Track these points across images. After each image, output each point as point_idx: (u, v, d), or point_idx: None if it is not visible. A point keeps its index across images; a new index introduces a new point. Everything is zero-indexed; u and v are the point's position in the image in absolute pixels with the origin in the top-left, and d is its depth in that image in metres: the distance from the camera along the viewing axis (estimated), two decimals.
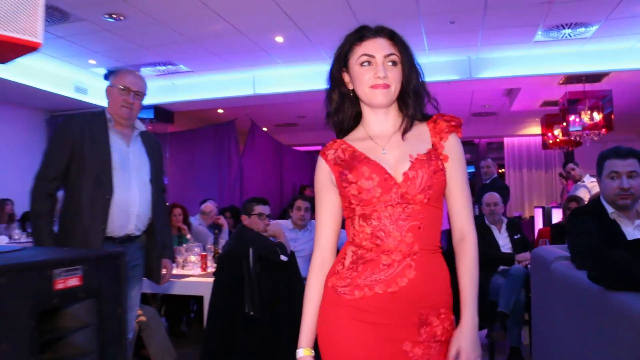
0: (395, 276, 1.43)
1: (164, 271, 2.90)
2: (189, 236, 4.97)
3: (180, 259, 4.21)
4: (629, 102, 8.49)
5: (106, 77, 7.76)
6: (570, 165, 6.71)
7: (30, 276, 1.24)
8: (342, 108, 1.60)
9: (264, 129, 10.63)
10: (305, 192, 10.02)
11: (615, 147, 2.47)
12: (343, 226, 1.56)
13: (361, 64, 1.51)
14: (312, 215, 4.42)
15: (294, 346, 1.56)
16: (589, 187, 6.11)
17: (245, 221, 3.57)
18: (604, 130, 7.52)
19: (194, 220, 5.60)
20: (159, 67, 7.59)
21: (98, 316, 1.46)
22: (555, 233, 5.04)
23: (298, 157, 11.74)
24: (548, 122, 8.85)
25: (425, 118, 1.57)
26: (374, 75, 1.49)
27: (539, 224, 7.45)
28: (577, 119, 7.20)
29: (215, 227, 5.52)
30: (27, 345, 1.22)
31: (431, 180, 1.46)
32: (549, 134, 8.80)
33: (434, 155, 1.50)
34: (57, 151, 2.57)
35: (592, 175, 6.56)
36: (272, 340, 3.24)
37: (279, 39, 6.41)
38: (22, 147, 8.26)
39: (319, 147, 3.15)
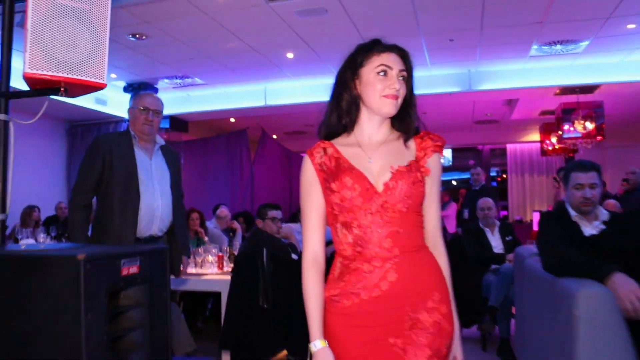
0: (378, 281, 1.52)
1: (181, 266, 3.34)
2: (206, 239, 5.38)
3: (198, 259, 4.61)
4: (620, 112, 8.87)
5: (125, 89, 8.22)
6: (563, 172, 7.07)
7: (106, 264, 1.65)
8: (350, 110, 1.64)
9: (274, 136, 11.02)
10: None
11: (579, 161, 2.88)
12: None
13: (377, 73, 1.58)
14: None
15: (304, 335, 1.62)
16: None
17: (260, 224, 3.99)
18: (599, 137, 7.89)
19: (210, 224, 6.03)
20: (175, 80, 8.04)
21: (149, 298, 1.87)
22: None
23: None
24: (546, 130, 9.21)
25: (415, 132, 1.65)
26: (389, 86, 1.57)
27: (535, 227, 7.81)
28: (571, 128, 7.58)
29: (229, 231, 5.95)
30: (103, 316, 1.63)
31: (410, 190, 1.54)
32: (547, 142, 9.15)
33: (415, 167, 1.58)
34: (89, 167, 2.96)
35: None
36: (284, 330, 3.64)
37: (290, 55, 6.85)
38: (44, 156, 8.72)
39: None
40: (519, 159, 12.48)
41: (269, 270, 3.61)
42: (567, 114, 7.68)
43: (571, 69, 7.31)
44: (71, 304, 1.54)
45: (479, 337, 4.83)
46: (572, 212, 2.83)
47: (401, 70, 1.59)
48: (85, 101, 8.14)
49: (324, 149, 1.64)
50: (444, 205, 9.37)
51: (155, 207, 3.03)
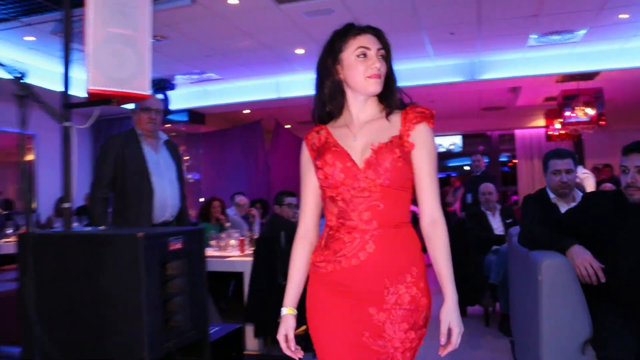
0: (357, 251, 1.59)
1: None
2: (227, 224, 5.83)
3: (222, 243, 5.06)
4: (622, 97, 9.14)
5: None
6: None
7: (158, 241, 2.08)
8: (335, 96, 1.69)
9: (288, 126, 11.41)
10: None
11: (557, 149, 3.28)
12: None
13: (357, 56, 1.63)
14: None
15: None
16: (581, 177, 6.75)
17: (277, 210, 4.42)
18: (602, 122, 8.21)
19: (230, 211, 6.48)
20: (192, 76, 8.46)
21: (189, 269, 2.29)
22: None
23: None
24: (550, 116, 9.51)
25: (401, 107, 1.68)
26: (370, 66, 1.62)
27: None
28: (573, 114, 7.90)
29: (247, 217, 6.39)
30: (157, 282, 2.05)
31: (391, 166, 1.58)
32: (551, 127, 9.46)
33: (397, 143, 1.61)
34: (104, 165, 3.32)
35: (584, 167, 7.22)
36: (301, 304, 4.06)
37: (300, 51, 7.24)
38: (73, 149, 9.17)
39: None
40: (527, 144, 12.56)
41: (286, 251, 4.03)
42: (568, 100, 7.99)
43: (570, 57, 7.59)
44: (133, 272, 1.97)
45: (482, 314, 5.23)
46: (552, 195, 3.22)
47: (379, 49, 1.64)
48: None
49: (317, 132, 1.74)
50: (455, 190, 9.71)
51: (166, 196, 3.38)
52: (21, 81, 1.60)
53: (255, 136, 10.26)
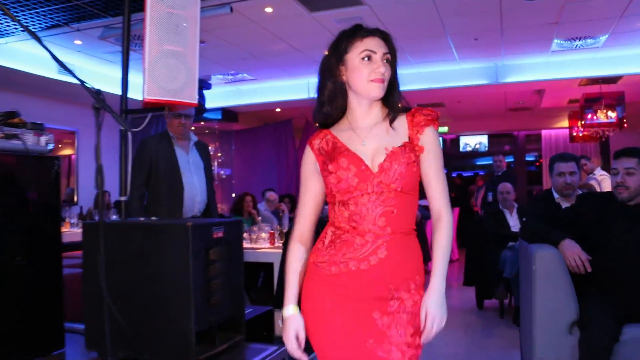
0: (368, 255, 1.57)
1: None
2: (259, 219, 6.22)
3: (253, 236, 5.44)
4: None
5: None
6: (583, 160, 7.56)
7: (203, 230, 2.44)
8: (334, 98, 1.67)
9: (317, 124, 11.71)
10: None
11: (562, 153, 3.58)
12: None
13: (362, 59, 1.61)
14: None
15: None
16: (598, 179, 6.94)
17: None
18: (625, 125, 8.37)
19: (260, 206, 6.87)
20: (227, 76, 8.87)
21: (229, 255, 2.63)
22: None
23: None
24: (573, 118, 9.66)
25: (404, 110, 1.67)
26: (375, 70, 1.60)
27: None
28: (595, 117, 8.08)
29: (277, 212, 6.78)
30: (202, 265, 2.40)
31: (405, 171, 1.57)
32: (575, 128, 9.61)
33: (409, 147, 1.60)
34: (139, 166, 3.64)
35: (603, 169, 7.42)
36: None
37: None
38: (111, 146, 9.69)
39: None
40: (553, 144, 12.55)
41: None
42: (590, 102, 8.17)
43: (593, 61, 7.74)
44: (183, 256, 2.31)
45: (498, 306, 5.54)
46: (556, 195, 3.52)
47: (385, 54, 1.62)
48: (138, 94, 8.94)
49: (323, 137, 1.71)
50: (478, 189, 9.95)
51: (195, 194, 3.71)
52: (99, 95, 1.97)
53: (285, 134, 10.64)
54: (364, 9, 5.79)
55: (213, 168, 7.22)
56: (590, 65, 7.79)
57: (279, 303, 4.02)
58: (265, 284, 6.01)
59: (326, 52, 1.69)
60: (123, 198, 2.84)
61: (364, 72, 1.60)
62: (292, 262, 1.74)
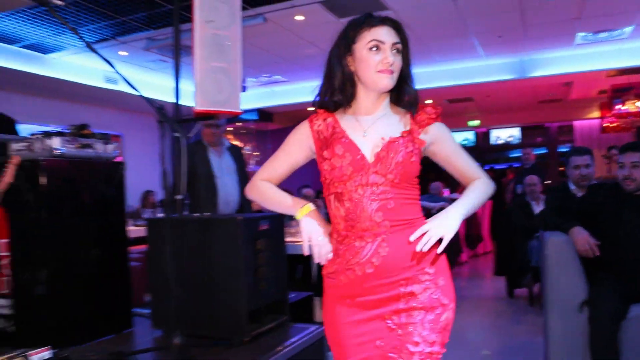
0: (370, 257, 1.53)
1: None
2: None
3: (292, 230, 5.77)
4: None
5: None
6: (613, 150, 7.66)
7: (252, 223, 2.77)
8: (345, 87, 1.61)
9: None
10: None
11: (577, 147, 3.86)
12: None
13: (370, 49, 1.54)
14: None
15: None
16: None
17: None
18: None
19: None
20: (261, 79, 9.27)
21: (271, 246, 2.94)
22: None
23: None
24: (603, 108, 9.72)
25: (411, 106, 1.63)
26: (383, 61, 1.53)
27: None
28: (623, 107, 8.18)
29: None
30: (251, 254, 2.71)
31: (402, 160, 1.52)
32: (605, 119, 9.67)
33: (408, 138, 1.56)
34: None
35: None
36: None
37: None
38: (149, 147, 10.12)
39: None
40: (586, 135, 12.51)
41: None
42: (619, 93, 8.26)
43: (620, 52, 7.82)
44: (234, 246, 2.62)
45: (527, 295, 5.78)
46: (572, 187, 3.77)
47: (395, 44, 1.55)
48: (184, 101, 9.37)
49: (325, 119, 1.65)
50: (509, 182, 10.09)
51: (228, 194, 4.07)
52: (162, 110, 2.33)
53: None
54: (389, 14, 6.04)
55: (250, 167, 7.57)
56: (617, 56, 7.87)
57: (318, 291, 4.31)
58: (303, 276, 6.34)
59: (334, 42, 1.64)
60: (179, 197, 3.20)
61: (371, 63, 1.54)
62: (268, 187, 1.76)
